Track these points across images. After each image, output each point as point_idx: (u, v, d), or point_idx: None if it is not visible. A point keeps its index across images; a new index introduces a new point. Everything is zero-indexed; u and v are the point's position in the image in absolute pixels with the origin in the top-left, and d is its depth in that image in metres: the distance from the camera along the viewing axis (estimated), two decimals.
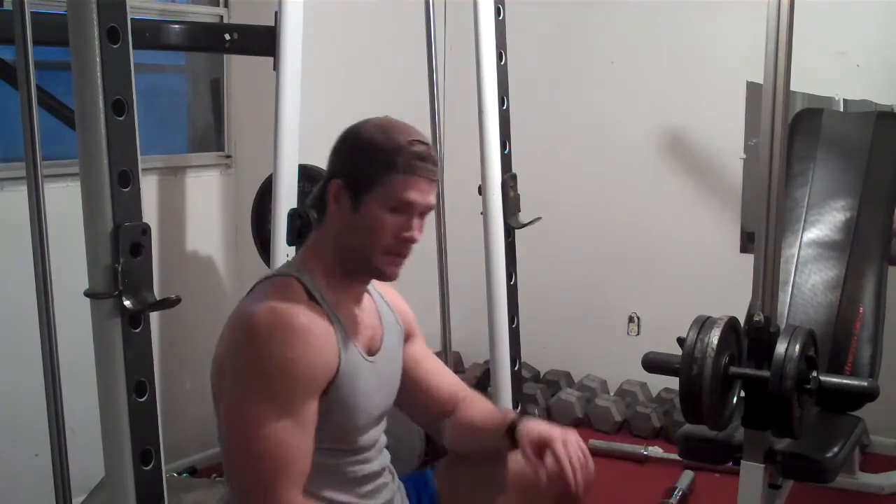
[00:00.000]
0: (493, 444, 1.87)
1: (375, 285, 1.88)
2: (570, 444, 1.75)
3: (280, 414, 1.60)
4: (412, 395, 1.94)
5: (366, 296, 1.84)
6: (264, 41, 2.77)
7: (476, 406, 1.95)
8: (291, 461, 1.61)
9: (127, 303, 1.65)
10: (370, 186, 1.70)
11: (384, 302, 1.90)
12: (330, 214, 1.75)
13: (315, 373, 1.64)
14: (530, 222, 2.95)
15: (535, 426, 1.80)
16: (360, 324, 1.78)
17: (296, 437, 1.61)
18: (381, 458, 1.84)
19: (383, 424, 1.86)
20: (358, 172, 1.71)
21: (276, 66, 2.76)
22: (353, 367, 1.71)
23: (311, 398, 1.64)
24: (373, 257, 1.73)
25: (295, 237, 2.80)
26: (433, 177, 1.74)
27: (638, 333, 4.09)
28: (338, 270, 1.75)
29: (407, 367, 1.92)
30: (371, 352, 1.79)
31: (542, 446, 1.76)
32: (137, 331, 1.68)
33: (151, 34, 2.68)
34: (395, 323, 1.90)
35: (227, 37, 2.86)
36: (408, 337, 1.93)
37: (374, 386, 1.77)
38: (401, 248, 1.73)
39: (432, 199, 1.75)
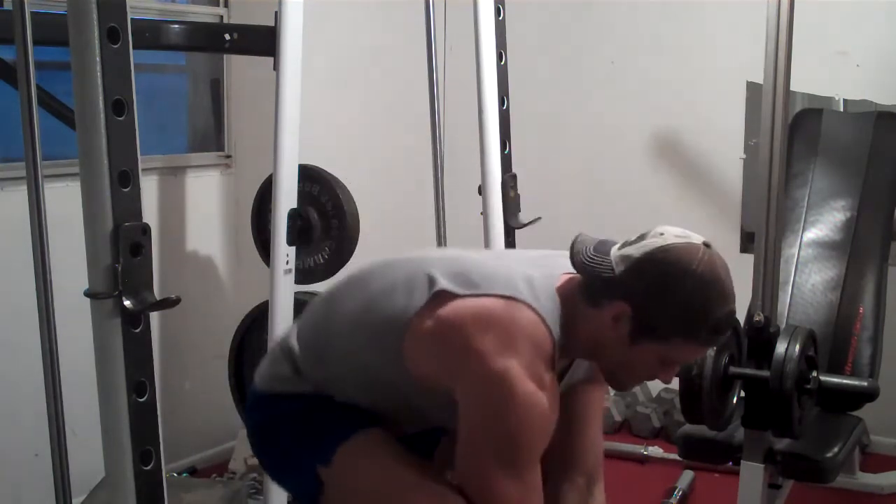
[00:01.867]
0: None
1: None
2: None
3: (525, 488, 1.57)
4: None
5: None
6: (264, 41, 2.76)
7: None
8: None
9: (127, 303, 1.65)
10: (660, 339, 1.56)
11: None
12: (597, 318, 1.58)
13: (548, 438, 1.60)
14: (530, 222, 2.95)
15: None
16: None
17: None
18: None
19: None
20: (655, 322, 1.55)
21: (276, 66, 2.75)
22: None
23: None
24: (617, 379, 1.68)
25: (295, 237, 2.80)
26: None
27: None
28: (573, 343, 1.62)
29: (574, 402, 1.83)
30: None
31: None
32: (137, 331, 1.68)
33: (151, 34, 2.68)
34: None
35: (227, 37, 2.85)
36: (596, 377, 1.80)
37: None
38: (643, 380, 1.67)
39: None
